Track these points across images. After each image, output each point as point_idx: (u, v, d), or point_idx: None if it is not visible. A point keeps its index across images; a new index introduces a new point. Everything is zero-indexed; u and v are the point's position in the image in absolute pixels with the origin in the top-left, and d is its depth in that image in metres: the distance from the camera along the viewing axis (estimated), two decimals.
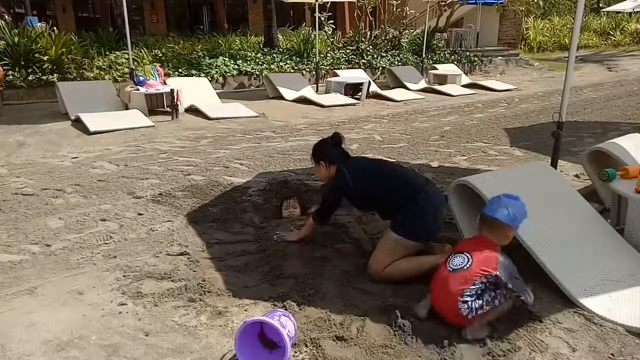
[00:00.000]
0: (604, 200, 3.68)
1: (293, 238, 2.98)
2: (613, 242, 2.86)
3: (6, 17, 10.99)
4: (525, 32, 21.53)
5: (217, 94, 8.49)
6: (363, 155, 3.25)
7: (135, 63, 9.28)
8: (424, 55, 12.85)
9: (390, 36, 14.76)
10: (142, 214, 3.56)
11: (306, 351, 2.07)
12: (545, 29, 22.19)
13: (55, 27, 9.67)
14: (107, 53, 10.02)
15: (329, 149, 2.90)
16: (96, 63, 9.40)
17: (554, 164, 3.63)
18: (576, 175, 4.64)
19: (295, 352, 2.07)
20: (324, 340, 2.13)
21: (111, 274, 2.70)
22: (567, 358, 2.04)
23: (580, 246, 2.77)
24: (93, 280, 2.63)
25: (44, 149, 5.39)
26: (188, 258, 2.89)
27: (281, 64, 11.46)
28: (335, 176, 2.83)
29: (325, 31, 13.58)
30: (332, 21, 14.11)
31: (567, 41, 20.58)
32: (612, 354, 2.05)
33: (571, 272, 2.54)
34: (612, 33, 22.70)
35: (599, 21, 23.79)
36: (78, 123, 6.42)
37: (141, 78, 7.37)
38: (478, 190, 2.76)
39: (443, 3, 15.03)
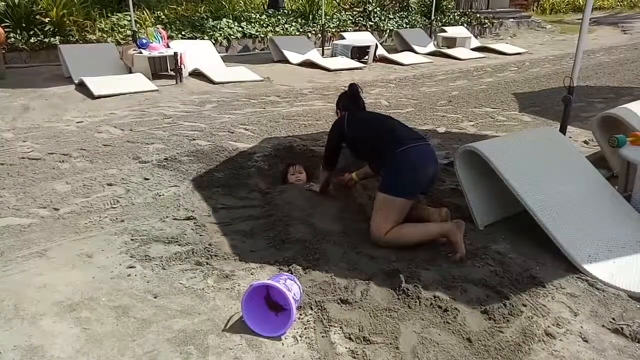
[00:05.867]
0: (612, 166, 3.65)
1: (316, 189, 3.22)
2: (620, 209, 2.86)
3: None
4: None
5: (222, 57, 8.33)
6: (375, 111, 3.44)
7: (138, 25, 9.10)
8: (433, 17, 12.49)
9: None
10: (148, 179, 3.58)
11: (311, 314, 2.11)
12: None
13: None
14: (108, 15, 9.82)
15: (343, 98, 3.15)
16: (98, 25, 9.23)
17: (562, 130, 3.58)
18: (585, 142, 4.59)
19: (301, 314, 2.11)
20: (328, 303, 2.17)
21: (119, 237, 2.74)
22: (568, 322, 2.06)
23: (586, 213, 2.76)
24: (101, 243, 2.67)
25: (48, 113, 5.36)
26: (194, 222, 2.92)
27: (286, 26, 11.20)
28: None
29: None
30: None
31: (581, 2, 19.89)
32: (613, 319, 2.08)
33: (576, 239, 2.55)
34: None
35: None
36: (82, 87, 6.36)
37: (144, 41, 7.23)
38: (485, 157, 2.74)
39: None
